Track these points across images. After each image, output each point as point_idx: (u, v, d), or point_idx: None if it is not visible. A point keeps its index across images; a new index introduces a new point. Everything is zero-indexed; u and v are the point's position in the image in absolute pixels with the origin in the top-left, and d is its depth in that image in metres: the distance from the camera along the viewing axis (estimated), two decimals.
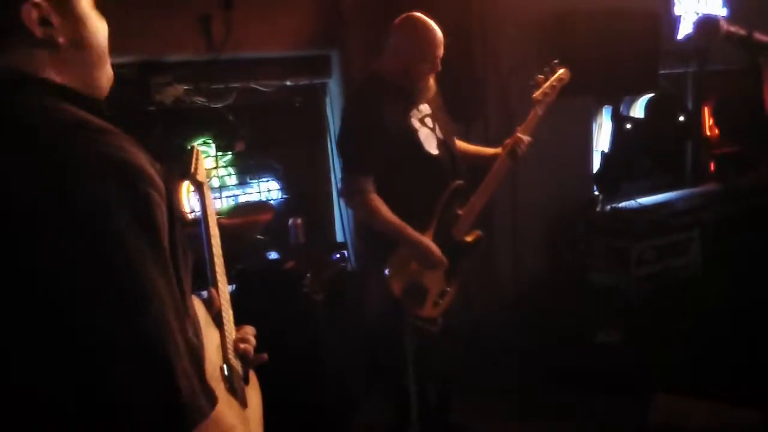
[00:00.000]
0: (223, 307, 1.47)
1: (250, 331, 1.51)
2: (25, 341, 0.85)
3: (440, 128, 2.80)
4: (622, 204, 4.45)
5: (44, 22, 0.98)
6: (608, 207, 4.40)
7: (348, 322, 3.22)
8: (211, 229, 1.59)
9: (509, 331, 3.96)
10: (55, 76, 0.99)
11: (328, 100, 3.93)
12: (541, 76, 2.90)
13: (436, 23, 2.67)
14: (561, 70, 2.91)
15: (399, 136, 2.64)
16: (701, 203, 4.59)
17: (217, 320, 1.43)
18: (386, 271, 2.65)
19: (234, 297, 3.09)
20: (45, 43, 0.98)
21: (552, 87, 2.88)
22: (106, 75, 1.09)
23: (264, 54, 3.63)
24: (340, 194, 2.90)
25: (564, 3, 4.08)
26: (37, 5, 0.97)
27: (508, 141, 2.87)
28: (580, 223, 4.33)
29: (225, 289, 1.53)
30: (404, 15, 2.68)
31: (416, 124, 2.71)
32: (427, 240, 2.66)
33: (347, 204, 2.85)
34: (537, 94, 2.87)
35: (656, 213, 4.31)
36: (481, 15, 3.94)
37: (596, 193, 4.60)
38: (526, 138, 2.83)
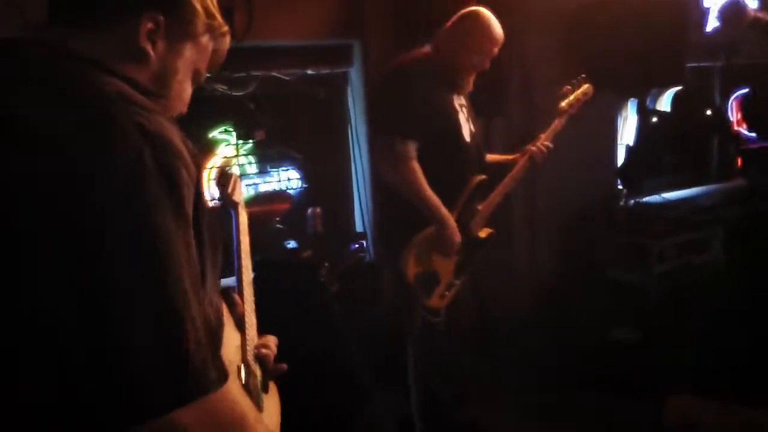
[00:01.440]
0: (246, 313, 1.51)
1: (272, 339, 1.54)
2: (44, 284, 0.84)
3: (472, 123, 2.84)
4: (646, 199, 4.39)
5: (151, 38, 1.01)
6: (631, 202, 4.34)
7: (363, 312, 3.23)
8: (242, 244, 1.69)
9: (524, 328, 3.94)
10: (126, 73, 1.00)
11: (349, 90, 3.92)
12: (569, 87, 2.97)
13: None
14: (586, 85, 2.99)
15: (441, 112, 2.67)
16: (726, 200, 4.53)
17: (240, 324, 1.47)
18: (402, 257, 2.64)
19: (253, 285, 3.13)
20: (139, 54, 1.01)
21: (577, 99, 2.96)
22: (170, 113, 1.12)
23: (285, 43, 3.63)
24: (376, 159, 2.88)
25: None
26: (157, 22, 1.01)
27: (529, 146, 2.89)
28: (600, 218, 4.28)
29: (250, 299, 1.58)
30: (471, 9, 2.71)
31: (458, 107, 2.75)
32: (454, 223, 2.66)
33: (382, 170, 2.69)
34: (564, 104, 2.94)
35: (679, 209, 4.26)
36: (506, 8, 3.89)
37: (620, 187, 4.56)
38: (547, 144, 2.88)
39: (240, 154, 3.73)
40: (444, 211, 2.62)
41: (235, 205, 1.81)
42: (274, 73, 3.66)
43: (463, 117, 2.76)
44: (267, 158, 3.79)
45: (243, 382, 1.33)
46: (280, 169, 3.80)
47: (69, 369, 0.85)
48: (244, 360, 1.40)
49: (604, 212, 4.30)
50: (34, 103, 0.89)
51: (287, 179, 3.82)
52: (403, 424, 3.03)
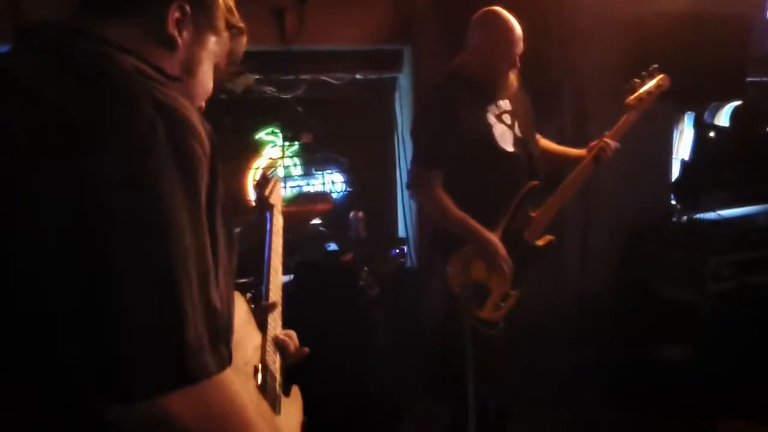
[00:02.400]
0: (270, 316, 1.52)
1: (293, 334, 1.55)
2: (44, 248, 0.84)
3: (520, 126, 2.76)
4: (701, 215, 4.25)
5: (178, 26, 1.04)
6: (685, 218, 4.20)
7: (403, 318, 3.19)
8: (274, 245, 1.73)
9: (572, 343, 3.84)
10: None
11: (397, 95, 3.90)
12: (638, 80, 2.79)
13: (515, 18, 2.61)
14: (660, 76, 2.79)
15: (472, 133, 2.61)
16: None
17: (263, 325, 1.48)
18: (448, 267, 2.60)
19: (290, 286, 3.14)
20: (167, 41, 1.04)
21: (648, 93, 2.77)
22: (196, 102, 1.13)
23: (335, 47, 3.64)
24: (406, 186, 2.88)
25: (647, 4, 3.92)
26: (184, 11, 1.04)
27: (593, 143, 2.78)
28: (653, 233, 4.16)
29: (277, 301, 1.59)
30: (482, 10, 2.64)
31: (492, 119, 2.68)
32: (493, 237, 2.60)
33: (412, 196, 2.82)
34: (631, 99, 2.77)
35: (736, 227, 4.09)
36: (560, 16, 3.84)
37: (674, 202, 4.42)
38: (613, 143, 2.73)
39: (286, 156, 3.74)
40: (476, 228, 2.58)
41: (271, 207, 1.84)
42: (323, 77, 3.67)
43: (502, 127, 2.69)
44: (312, 161, 3.80)
45: (259, 382, 1.32)
46: (325, 172, 3.81)
47: (63, 343, 0.84)
48: (263, 361, 1.39)
49: (657, 227, 4.17)
50: (49, 75, 0.90)
51: (332, 182, 3.82)
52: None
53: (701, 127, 4.53)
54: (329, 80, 3.68)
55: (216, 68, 1.15)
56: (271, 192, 1.87)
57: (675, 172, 4.53)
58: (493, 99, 2.69)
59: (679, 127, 4.63)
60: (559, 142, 3.92)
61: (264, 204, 1.85)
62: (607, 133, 2.77)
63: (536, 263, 2.78)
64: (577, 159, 2.80)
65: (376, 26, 3.65)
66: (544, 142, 2.92)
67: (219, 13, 1.11)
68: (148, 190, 0.84)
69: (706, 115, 4.64)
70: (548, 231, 2.78)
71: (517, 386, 3.05)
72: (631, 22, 3.97)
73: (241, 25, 1.18)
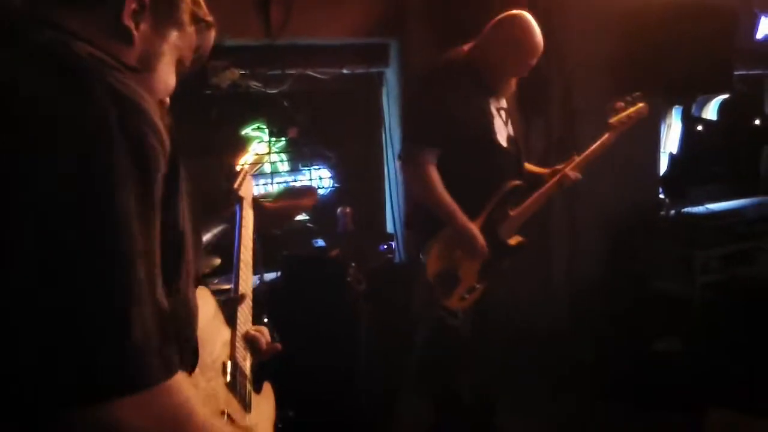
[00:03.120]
0: (240, 309, 1.49)
1: (264, 330, 1.51)
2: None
3: (513, 126, 2.77)
4: (690, 209, 4.26)
5: (135, 18, 0.98)
6: (673, 211, 4.21)
7: (390, 313, 3.17)
8: (243, 239, 1.69)
9: (561, 338, 3.84)
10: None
11: (384, 90, 3.88)
12: (621, 104, 2.85)
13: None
14: (640, 104, 2.87)
15: (474, 118, 2.61)
16: None
17: (231, 320, 1.44)
18: (424, 255, 2.61)
19: (278, 282, 3.11)
20: (122, 32, 0.98)
21: (629, 117, 2.84)
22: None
23: (322, 41, 3.61)
24: (399, 159, 2.87)
25: None
26: (142, 3, 0.98)
27: (558, 167, 2.81)
28: (642, 227, 4.16)
29: (246, 295, 1.56)
30: (513, 12, 2.61)
31: (493, 111, 2.68)
32: (474, 227, 2.60)
33: (404, 172, 2.81)
34: (614, 120, 2.82)
35: (724, 220, 4.11)
36: (547, 11, 3.83)
37: (662, 196, 4.42)
38: (574, 175, 2.77)
39: (272, 151, 3.71)
40: (460, 215, 2.57)
41: (240, 200, 1.81)
42: (309, 72, 3.64)
43: (499, 121, 2.69)
44: (299, 156, 3.77)
45: (228, 379, 1.28)
46: (312, 167, 3.78)
47: (13, 346, 0.79)
48: (232, 357, 1.35)
49: (646, 221, 4.17)
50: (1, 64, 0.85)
51: (319, 178, 3.79)
52: (429, 426, 2.96)
53: (689, 121, 4.54)
54: (316, 75, 3.65)
55: (180, 63, 1.09)
56: (240, 185, 1.84)
57: (663, 166, 4.53)
58: (495, 93, 2.70)
59: (667, 121, 4.63)
60: (547, 138, 3.94)
61: (233, 197, 1.82)
62: (576, 156, 2.80)
63: (505, 261, 2.78)
64: (539, 177, 2.84)
65: (363, 20, 3.62)
66: None
67: (183, 5, 1.05)
68: (97, 182, 0.80)
69: (693, 109, 4.65)
70: (522, 232, 2.79)
71: (499, 380, 3.03)
72: (618, 16, 3.96)
73: (209, 18, 1.12)
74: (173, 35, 1.05)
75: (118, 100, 0.84)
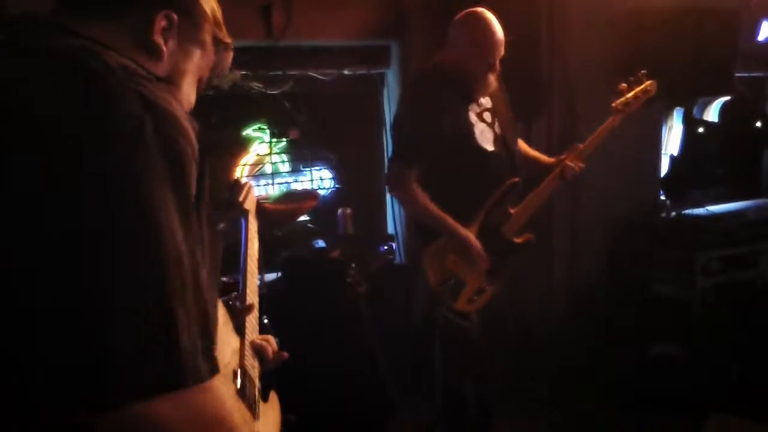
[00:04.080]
0: (248, 319, 1.51)
1: (271, 339, 1.53)
2: (36, 249, 0.80)
3: (500, 124, 2.74)
4: (691, 211, 4.25)
5: (164, 35, 1.02)
6: (674, 213, 4.21)
7: (391, 315, 3.17)
8: (249, 249, 1.73)
9: (561, 340, 3.84)
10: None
11: (385, 91, 3.88)
12: (625, 85, 2.78)
13: (499, 20, 2.59)
14: (648, 82, 2.79)
15: (453, 131, 2.59)
16: None
17: (240, 329, 1.47)
18: (424, 259, 2.62)
19: (278, 283, 3.11)
20: (151, 48, 1.01)
21: (635, 98, 2.77)
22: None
23: (323, 42, 3.61)
24: (385, 181, 2.88)
25: (637, 0, 3.92)
26: (171, 21, 1.02)
27: (563, 156, 2.77)
28: (643, 229, 4.16)
29: (254, 305, 1.59)
30: (466, 11, 2.60)
31: (473, 118, 2.65)
32: (467, 232, 2.61)
33: (389, 191, 2.81)
34: (617, 102, 2.76)
35: (725, 222, 4.09)
36: (549, 12, 3.84)
37: (663, 198, 4.42)
38: (576, 165, 2.73)
39: (273, 152, 3.72)
40: (450, 222, 2.58)
41: (245, 212, 1.83)
42: (310, 73, 3.65)
43: (482, 125, 2.67)
44: (300, 157, 3.77)
45: (238, 387, 1.30)
46: (313, 168, 3.78)
47: (48, 349, 0.79)
48: (242, 365, 1.36)
49: (646, 223, 4.17)
50: (32, 71, 0.87)
51: (320, 179, 3.80)
52: (429, 428, 2.96)
53: (690, 123, 4.53)
54: (317, 76, 3.66)
55: (199, 82, 1.13)
56: (245, 197, 1.87)
57: (664, 168, 4.53)
58: (474, 97, 2.67)
59: (669, 123, 4.62)
60: (548, 139, 3.93)
61: (238, 209, 1.84)
62: (580, 145, 2.75)
63: (513, 260, 2.77)
64: (548, 166, 2.80)
65: (364, 22, 3.62)
66: (521, 145, 2.91)
67: (206, 26, 1.09)
68: (138, 190, 0.82)
69: (695, 111, 4.64)
70: (531, 227, 2.77)
71: (500, 383, 3.04)
72: (620, 18, 3.96)
73: (228, 41, 1.16)
74: (197, 54, 1.09)
75: (149, 106, 0.86)
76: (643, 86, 2.78)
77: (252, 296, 1.60)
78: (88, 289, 0.79)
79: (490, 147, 2.66)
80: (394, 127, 2.80)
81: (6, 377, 0.82)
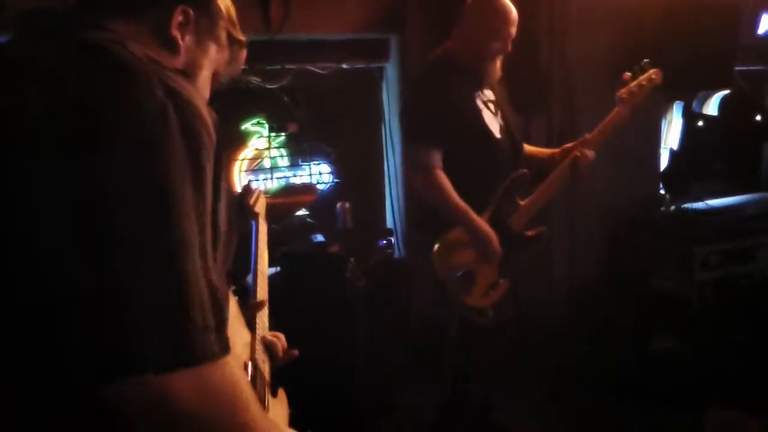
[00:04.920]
0: (258, 315, 1.55)
1: (281, 336, 1.57)
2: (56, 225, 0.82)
3: (503, 116, 2.74)
4: (690, 205, 4.25)
5: (181, 30, 1.05)
6: (673, 207, 4.20)
7: (390, 309, 3.17)
8: (260, 251, 1.80)
9: (560, 334, 3.84)
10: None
11: (384, 85, 3.86)
12: (629, 74, 2.75)
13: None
14: (652, 70, 2.75)
15: (464, 115, 2.60)
16: None
17: (251, 324, 1.50)
18: (434, 252, 2.58)
19: (276, 278, 3.11)
20: (169, 42, 1.04)
21: (640, 86, 2.72)
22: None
23: (321, 36, 3.59)
24: (403, 167, 2.86)
25: None
26: (188, 16, 1.05)
27: (569, 145, 2.75)
28: (642, 223, 4.16)
29: (264, 310, 1.62)
30: None
31: (480, 105, 2.66)
32: (489, 228, 2.58)
33: (409, 179, 2.78)
34: (622, 91, 2.73)
35: (724, 216, 4.10)
36: (549, 6, 3.82)
37: (662, 192, 4.42)
38: (589, 153, 2.70)
39: (272, 146, 3.70)
40: (475, 217, 2.56)
41: (256, 216, 1.93)
42: (309, 67, 3.63)
43: (489, 114, 2.68)
44: (299, 152, 3.76)
45: (248, 379, 1.30)
46: (312, 163, 3.77)
47: (66, 325, 0.82)
48: (252, 359, 1.39)
49: (646, 217, 4.17)
50: (62, 58, 0.90)
51: (319, 173, 3.79)
52: (432, 423, 2.96)
53: (690, 117, 4.52)
54: (315, 70, 3.64)
55: (214, 77, 1.16)
56: (255, 202, 1.97)
57: (664, 162, 4.52)
58: (480, 86, 2.68)
59: (668, 117, 4.62)
60: (548, 133, 3.92)
61: (249, 213, 1.92)
62: (587, 135, 2.73)
63: (523, 253, 2.75)
64: (550, 158, 2.78)
65: (363, 15, 3.61)
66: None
67: (222, 23, 1.12)
68: (158, 173, 0.84)
69: (694, 105, 4.63)
70: (537, 222, 2.75)
71: (500, 377, 3.04)
72: (619, 11, 3.95)
73: (242, 38, 1.19)
74: (213, 50, 1.12)
75: (173, 95, 0.89)
76: (647, 75, 2.74)
77: (262, 294, 1.65)
78: (104, 266, 0.81)
79: (497, 134, 2.67)
80: (406, 112, 2.79)
81: (26, 356, 0.85)
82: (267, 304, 1.62)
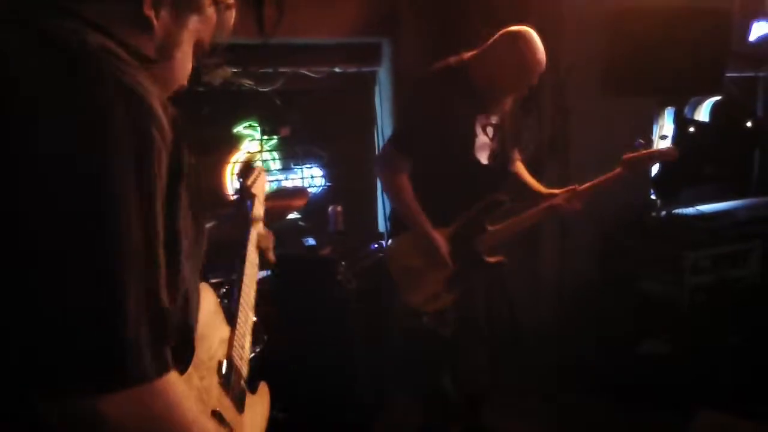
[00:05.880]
0: (241, 310, 1.49)
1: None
2: None
3: (501, 141, 2.70)
4: (681, 210, 4.26)
5: (155, 6, 0.97)
6: (664, 212, 4.22)
7: (380, 312, 3.17)
8: (251, 235, 1.72)
9: (550, 337, 3.84)
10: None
11: (377, 89, 3.88)
12: (643, 141, 2.75)
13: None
14: (669, 146, 2.75)
15: (454, 135, 2.57)
16: (765, 214, 4.36)
17: (232, 318, 1.45)
18: (389, 247, 2.66)
19: (268, 281, 3.11)
20: (142, 22, 0.97)
21: (650, 157, 2.73)
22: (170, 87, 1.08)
23: (315, 40, 3.60)
24: (376, 163, 2.88)
25: None
26: None
27: (561, 191, 2.74)
28: (633, 228, 4.16)
29: (250, 293, 1.58)
30: (518, 28, 2.49)
31: (477, 129, 2.63)
32: (438, 235, 2.60)
33: (378, 174, 2.81)
34: (630, 156, 2.70)
35: (715, 221, 4.11)
36: (540, 8, 3.83)
37: (653, 197, 4.43)
38: (569, 206, 2.73)
39: (264, 149, 3.71)
40: (423, 221, 2.58)
41: (252, 197, 1.83)
42: (301, 70, 3.64)
43: (483, 138, 2.64)
44: (291, 155, 3.77)
45: (222, 378, 1.28)
46: (304, 166, 3.78)
47: (2, 339, 0.78)
48: (229, 356, 1.35)
49: (637, 222, 4.17)
50: (18, 51, 0.85)
51: (311, 177, 3.79)
52: (419, 425, 2.96)
53: (681, 122, 4.54)
54: (308, 73, 3.65)
55: (198, 45, 1.09)
56: (253, 182, 1.87)
57: (655, 167, 4.53)
58: (485, 110, 2.63)
59: (660, 122, 4.63)
60: (538, 136, 3.93)
61: (245, 193, 1.84)
62: (577, 186, 2.73)
63: (481, 277, 2.75)
64: (535, 193, 2.78)
65: (356, 19, 3.62)
66: (519, 168, 2.89)
67: None
68: (97, 175, 0.80)
69: (686, 111, 4.65)
70: (501, 251, 2.75)
71: (487, 377, 3.03)
72: (611, 16, 3.96)
73: (231, 1, 1.12)
74: (193, 21, 1.04)
75: (124, 93, 0.84)
76: (664, 150, 2.74)
77: (249, 283, 1.58)
78: (33, 277, 0.77)
79: (484, 160, 2.65)
80: (401, 112, 2.83)
81: None
82: (254, 291, 1.57)
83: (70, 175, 0.79)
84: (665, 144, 2.79)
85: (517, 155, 2.88)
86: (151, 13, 0.97)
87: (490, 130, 2.67)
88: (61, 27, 0.89)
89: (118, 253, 0.80)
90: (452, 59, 2.63)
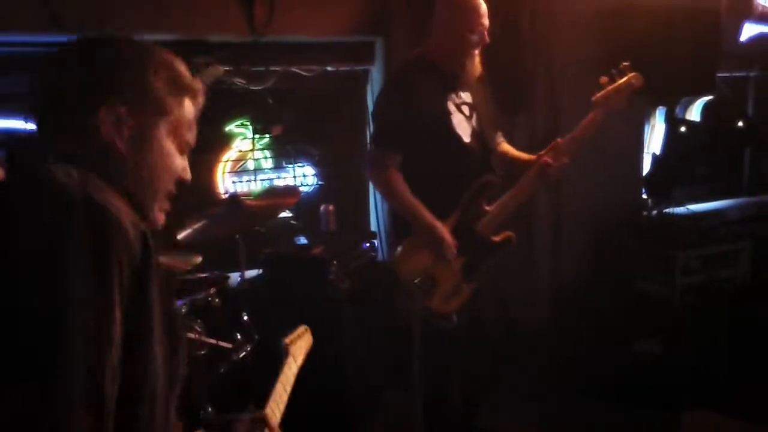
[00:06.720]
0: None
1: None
2: None
3: (478, 119, 2.70)
4: (673, 210, 4.28)
5: (116, 127, 1.02)
6: (656, 212, 4.23)
7: (373, 312, 3.16)
8: (279, 384, 1.73)
9: (544, 336, 3.85)
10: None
11: (369, 88, 3.87)
12: (606, 78, 2.64)
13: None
14: (631, 74, 2.63)
15: (431, 117, 2.57)
16: (756, 214, 4.38)
17: None
18: (396, 253, 2.58)
19: (259, 279, 3.10)
20: (106, 149, 1.02)
21: (617, 90, 2.62)
22: (157, 206, 1.11)
23: (306, 38, 3.59)
24: (364, 166, 2.86)
25: None
26: (117, 114, 1.02)
27: (542, 153, 2.67)
28: (625, 227, 4.18)
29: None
30: None
31: (451, 107, 2.63)
32: (441, 226, 2.55)
33: (368, 176, 2.77)
34: (598, 96, 2.63)
35: (706, 221, 4.13)
36: (532, 6, 3.84)
37: (645, 197, 4.44)
38: (556, 162, 2.61)
39: (256, 148, 3.69)
40: (424, 214, 2.53)
41: (287, 354, 1.85)
42: (293, 69, 3.63)
43: (460, 117, 2.63)
44: (283, 154, 3.76)
45: None
46: (296, 165, 3.77)
47: None
48: None
49: (628, 221, 4.19)
50: (16, 191, 0.95)
51: (302, 176, 3.78)
52: (414, 424, 2.95)
53: (673, 122, 4.55)
54: (300, 72, 3.64)
55: (182, 144, 1.12)
56: (293, 340, 1.89)
57: (646, 167, 4.55)
58: (454, 88, 2.64)
59: (651, 122, 4.65)
60: (531, 134, 3.93)
61: (284, 349, 1.85)
62: (559, 140, 2.65)
63: (491, 258, 2.69)
64: (527, 163, 2.70)
65: (348, 18, 3.61)
66: (503, 145, 2.86)
67: (160, 93, 1.06)
68: (54, 288, 0.84)
69: (677, 110, 4.67)
70: (512, 225, 2.72)
71: (483, 378, 3.03)
72: (603, 15, 3.98)
73: (195, 87, 1.14)
74: (162, 126, 1.07)
75: (90, 207, 0.89)
76: (626, 78, 2.63)
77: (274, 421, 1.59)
78: None
79: (466, 139, 2.63)
80: (374, 113, 2.78)
81: None
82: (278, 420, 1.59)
83: (25, 286, 0.84)
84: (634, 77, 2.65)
85: (500, 138, 2.84)
86: (112, 139, 1.02)
87: (465, 109, 2.66)
88: (39, 166, 0.96)
89: (67, 358, 0.84)
90: (414, 50, 2.70)
